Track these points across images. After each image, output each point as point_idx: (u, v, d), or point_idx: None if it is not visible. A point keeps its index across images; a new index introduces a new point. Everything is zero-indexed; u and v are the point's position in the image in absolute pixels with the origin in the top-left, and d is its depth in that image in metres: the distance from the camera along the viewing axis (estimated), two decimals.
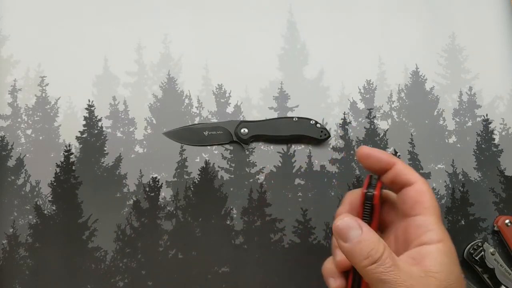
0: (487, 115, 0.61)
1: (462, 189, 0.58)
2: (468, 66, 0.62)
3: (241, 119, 0.59)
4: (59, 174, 0.57)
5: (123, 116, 0.59)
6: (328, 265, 0.40)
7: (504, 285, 0.54)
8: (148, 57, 0.61)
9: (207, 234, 0.56)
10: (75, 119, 0.59)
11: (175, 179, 0.57)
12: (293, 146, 0.59)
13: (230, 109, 0.60)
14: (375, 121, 0.60)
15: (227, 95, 0.60)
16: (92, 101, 0.59)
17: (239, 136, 0.57)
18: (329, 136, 0.58)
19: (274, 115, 0.60)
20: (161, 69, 0.61)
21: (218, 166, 0.58)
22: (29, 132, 0.58)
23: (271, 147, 0.59)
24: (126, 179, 0.57)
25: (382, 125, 0.60)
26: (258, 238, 0.56)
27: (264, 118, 0.59)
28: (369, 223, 0.37)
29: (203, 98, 0.60)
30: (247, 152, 0.58)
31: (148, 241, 0.55)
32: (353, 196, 0.42)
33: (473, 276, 0.55)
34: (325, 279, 0.40)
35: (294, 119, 0.58)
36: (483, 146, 0.60)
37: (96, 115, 0.59)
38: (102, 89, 0.60)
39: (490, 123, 0.60)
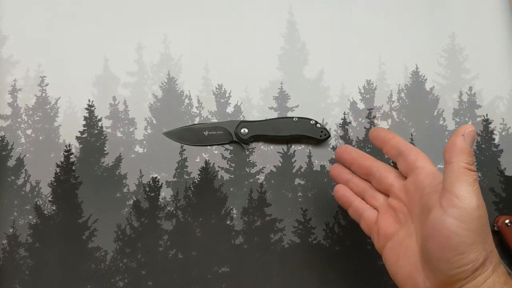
0: (487, 115, 0.61)
1: None
2: (468, 66, 0.62)
3: (241, 119, 0.59)
4: (59, 174, 0.57)
5: (123, 116, 0.59)
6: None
7: None
8: (148, 57, 0.61)
9: (207, 234, 0.56)
10: (75, 119, 0.59)
11: (175, 179, 0.57)
12: (293, 146, 0.59)
13: (230, 109, 0.60)
14: (375, 121, 0.60)
15: (227, 95, 0.60)
16: (92, 101, 0.59)
17: (239, 136, 0.57)
18: (329, 136, 0.58)
19: (274, 115, 0.60)
20: (161, 69, 0.61)
21: (218, 166, 0.58)
22: (29, 132, 0.58)
23: (271, 147, 0.59)
24: (126, 179, 0.57)
25: (382, 125, 0.60)
26: (258, 238, 0.56)
27: (264, 118, 0.59)
28: None
29: (203, 98, 0.60)
30: (247, 152, 0.58)
31: (148, 241, 0.55)
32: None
33: None
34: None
35: (294, 119, 0.58)
36: (483, 146, 0.60)
37: (96, 115, 0.59)
38: (102, 89, 0.60)
39: (490, 123, 0.60)
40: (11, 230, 0.55)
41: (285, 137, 0.58)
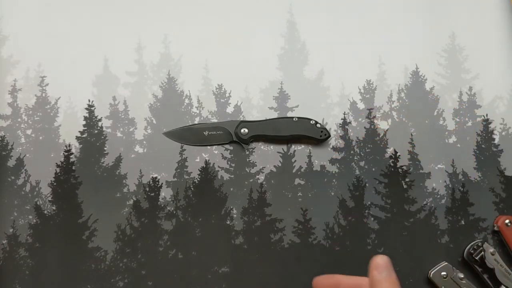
0: (487, 115, 0.61)
1: (462, 189, 0.58)
2: (468, 66, 0.62)
3: (241, 119, 0.59)
4: (59, 174, 0.57)
5: (123, 116, 0.59)
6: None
7: (504, 285, 0.54)
8: (148, 57, 0.61)
9: (207, 234, 0.56)
10: (75, 119, 0.59)
11: (175, 179, 0.57)
12: (293, 146, 0.59)
13: (230, 109, 0.60)
14: (375, 121, 0.60)
15: (227, 95, 0.60)
16: (92, 101, 0.59)
17: (239, 136, 0.58)
18: (329, 136, 0.58)
19: (274, 115, 0.60)
20: (161, 69, 0.61)
21: (218, 166, 0.58)
22: (29, 132, 0.58)
23: (271, 147, 0.59)
24: (126, 179, 0.57)
25: (382, 125, 0.60)
26: (258, 238, 0.56)
27: (264, 118, 0.59)
28: None
29: (203, 98, 0.60)
30: (247, 152, 0.58)
31: (148, 241, 0.55)
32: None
33: (473, 276, 0.55)
34: None
35: (294, 119, 0.58)
36: (483, 146, 0.60)
37: (96, 115, 0.59)
38: (102, 89, 0.60)
39: (490, 123, 0.60)
40: (11, 230, 0.55)
41: (285, 137, 0.58)
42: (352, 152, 0.59)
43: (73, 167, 0.57)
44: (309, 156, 0.59)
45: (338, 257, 0.56)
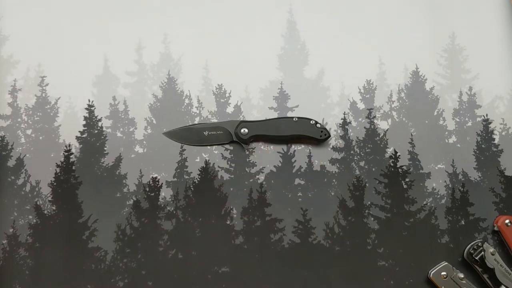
0: (487, 115, 0.61)
1: (462, 189, 0.58)
2: (468, 66, 0.62)
3: (241, 119, 0.59)
4: (59, 174, 0.57)
5: (123, 116, 0.59)
6: None
7: (504, 285, 0.54)
8: (148, 57, 0.61)
9: (207, 234, 0.56)
10: (75, 119, 0.59)
11: (175, 179, 0.57)
12: (293, 146, 0.59)
13: (230, 109, 0.60)
14: (375, 121, 0.60)
15: (227, 95, 0.60)
16: (92, 101, 0.59)
17: (239, 136, 0.58)
18: (329, 136, 0.58)
19: (274, 115, 0.60)
20: (161, 69, 0.61)
21: (218, 166, 0.58)
22: (29, 132, 0.58)
23: (271, 147, 0.59)
24: (126, 179, 0.57)
25: (382, 125, 0.60)
26: (258, 238, 0.56)
27: (264, 118, 0.59)
28: None
29: (203, 98, 0.60)
30: (247, 152, 0.58)
31: (148, 241, 0.55)
32: None
33: (473, 276, 0.55)
34: None
35: (294, 119, 0.58)
36: (483, 146, 0.60)
37: (96, 115, 0.59)
38: (102, 89, 0.60)
39: (490, 123, 0.60)
40: (11, 230, 0.55)
41: (285, 137, 0.58)
42: (352, 152, 0.59)
43: (73, 167, 0.57)
44: (309, 156, 0.59)
45: (338, 257, 0.56)
